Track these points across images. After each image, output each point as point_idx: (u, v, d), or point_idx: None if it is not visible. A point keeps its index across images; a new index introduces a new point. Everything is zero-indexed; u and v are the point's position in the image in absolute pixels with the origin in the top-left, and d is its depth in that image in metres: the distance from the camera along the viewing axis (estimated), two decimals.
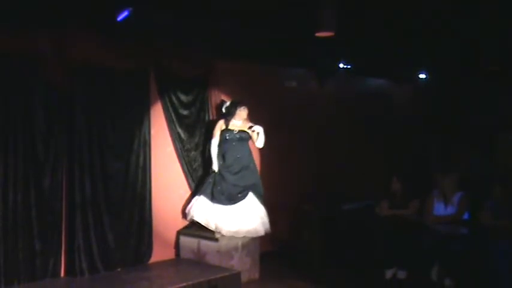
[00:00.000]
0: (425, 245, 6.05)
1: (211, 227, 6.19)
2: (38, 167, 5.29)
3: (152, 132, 6.22)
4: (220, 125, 6.47)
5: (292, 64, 7.73)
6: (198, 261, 6.11)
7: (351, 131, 8.57)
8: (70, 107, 5.51)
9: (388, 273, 6.32)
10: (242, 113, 6.44)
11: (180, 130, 6.51)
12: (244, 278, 5.99)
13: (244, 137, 6.45)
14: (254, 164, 6.61)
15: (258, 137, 6.50)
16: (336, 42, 5.84)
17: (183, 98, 6.55)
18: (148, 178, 6.14)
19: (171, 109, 6.42)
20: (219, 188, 6.32)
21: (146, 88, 6.18)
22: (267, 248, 6.97)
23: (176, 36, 5.96)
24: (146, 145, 6.14)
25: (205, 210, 6.28)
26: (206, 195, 6.35)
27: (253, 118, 6.66)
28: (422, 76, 9.10)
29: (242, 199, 6.34)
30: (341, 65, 8.02)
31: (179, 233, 6.50)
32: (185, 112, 6.57)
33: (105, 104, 5.75)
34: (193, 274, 5.58)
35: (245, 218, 6.27)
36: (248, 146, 6.54)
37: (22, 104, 5.18)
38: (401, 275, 6.29)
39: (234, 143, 6.41)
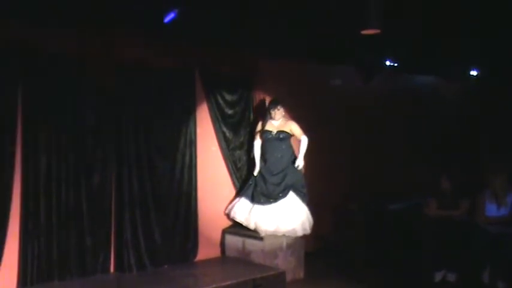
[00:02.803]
0: (476, 247, 5.87)
1: (251, 226, 6.21)
2: (88, 166, 5.44)
3: (198, 131, 6.30)
4: (259, 126, 6.48)
5: (338, 62, 7.65)
6: (243, 260, 6.14)
7: (398, 129, 8.41)
8: (118, 106, 5.64)
9: (437, 276, 6.17)
10: (277, 113, 6.36)
11: (225, 129, 6.56)
12: (288, 277, 5.96)
13: (283, 137, 6.38)
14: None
15: (301, 146, 6.43)
16: (382, 40, 5.74)
17: (228, 97, 6.59)
18: (194, 177, 6.23)
19: (216, 108, 6.48)
20: (258, 189, 6.34)
21: (192, 88, 6.26)
22: (312, 248, 6.92)
23: (222, 37, 5.99)
24: (192, 144, 6.22)
25: (246, 211, 6.32)
26: (247, 197, 6.39)
27: (299, 117, 6.64)
28: (473, 73, 8.82)
29: (282, 198, 6.30)
30: (388, 63, 7.87)
31: (224, 231, 6.55)
32: (230, 111, 6.61)
33: (152, 104, 5.86)
34: (238, 273, 5.61)
35: (284, 217, 6.24)
36: (289, 144, 6.49)
37: (72, 104, 5.33)
38: (451, 277, 6.13)
39: (273, 143, 6.38)
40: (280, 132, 6.37)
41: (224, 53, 6.39)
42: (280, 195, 6.31)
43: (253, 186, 6.41)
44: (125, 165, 5.67)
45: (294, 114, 6.70)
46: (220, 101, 6.52)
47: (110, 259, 5.65)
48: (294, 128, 6.43)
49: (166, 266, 5.89)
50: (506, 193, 5.96)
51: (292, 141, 6.59)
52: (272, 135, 6.36)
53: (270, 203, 6.27)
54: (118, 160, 5.68)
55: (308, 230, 6.38)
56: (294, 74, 7.18)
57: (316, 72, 7.54)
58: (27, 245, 5.04)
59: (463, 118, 9.11)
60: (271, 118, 6.39)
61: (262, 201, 6.28)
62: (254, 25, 5.81)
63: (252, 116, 6.84)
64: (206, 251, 6.36)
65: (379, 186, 7.85)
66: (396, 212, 7.44)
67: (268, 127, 6.41)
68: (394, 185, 7.90)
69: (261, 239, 6.13)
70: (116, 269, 5.68)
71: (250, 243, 6.21)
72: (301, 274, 6.41)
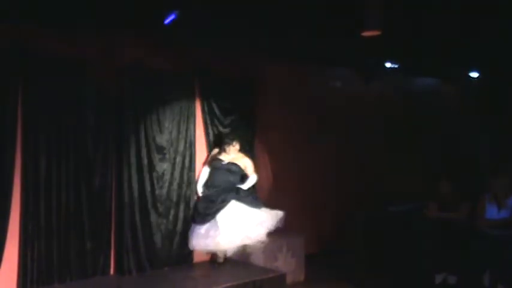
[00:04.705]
0: (476, 249, 5.85)
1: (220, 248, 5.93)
2: (88, 167, 5.44)
3: (197, 133, 6.30)
4: (214, 152, 6.32)
5: (339, 64, 7.65)
6: (243, 262, 6.13)
7: (398, 131, 8.40)
8: (118, 108, 5.64)
9: (438, 279, 6.16)
10: (232, 149, 6.18)
11: (219, 132, 6.49)
12: (289, 279, 5.97)
13: (232, 170, 6.17)
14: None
15: (248, 179, 6.25)
16: (382, 42, 5.73)
17: (225, 100, 6.50)
18: (193, 179, 6.22)
19: (208, 112, 6.40)
20: (197, 208, 6.10)
21: (192, 90, 6.25)
22: (313, 250, 6.92)
23: (222, 39, 5.99)
24: (192, 146, 6.21)
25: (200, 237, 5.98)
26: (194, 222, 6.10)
27: (299, 119, 6.62)
28: (473, 75, 8.81)
29: (218, 212, 5.95)
30: (388, 65, 7.87)
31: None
32: (226, 116, 6.52)
33: (152, 106, 5.86)
34: (239, 275, 5.61)
35: (237, 226, 5.89)
36: (237, 179, 6.23)
37: (72, 106, 5.33)
38: (452, 280, 6.11)
39: (222, 173, 6.16)
40: (232, 164, 6.19)
41: (224, 55, 6.38)
42: (217, 208, 5.98)
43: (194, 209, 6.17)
44: (125, 167, 5.67)
45: (294, 119, 6.68)
46: (216, 105, 6.44)
47: (110, 261, 5.65)
48: (247, 164, 6.25)
49: (166, 268, 5.88)
50: (507, 196, 5.93)
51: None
52: (222, 165, 6.17)
53: (207, 220, 5.97)
54: (118, 162, 5.68)
55: (270, 227, 6.00)
56: (295, 76, 7.18)
57: (318, 74, 7.55)
58: (27, 247, 5.04)
59: (464, 119, 9.10)
60: (224, 152, 6.22)
61: (200, 220, 6.00)
62: (254, 28, 5.82)
63: (251, 121, 6.78)
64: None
65: (381, 187, 7.85)
66: (397, 214, 7.43)
67: (221, 156, 6.23)
68: (395, 187, 7.90)
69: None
70: (115, 271, 5.68)
71: (251, 245, 6.19)
72: (301, 276, 6.41)
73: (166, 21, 5.19)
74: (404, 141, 8.44)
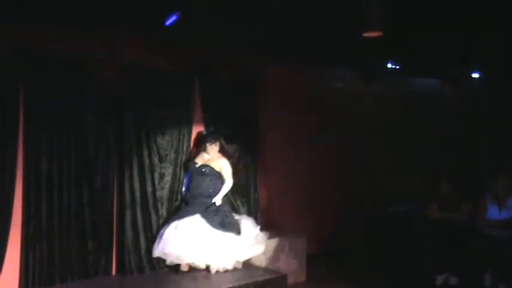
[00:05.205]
0: (477, 250, 5.86)
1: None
2: (89, 168, 5.44)
3: None
4: (192, 154, 6.11)
5: (339, 64, 7.65)
6: (245, 263, 6.12)
7: (398, 131, 8.41)
8: (119, 108, 5.64)
9: (439, 279, 6.15)
10: (213, 148, 5.95)
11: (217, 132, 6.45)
12: (290, 280, 5.96)
13: (206, 173, 5.88)
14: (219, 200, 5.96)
15: (223, 186, 5.96)
16: (383, 42, 5.74)
17: (225, 100, 6.48)
18: None
19: (210, 111, 6.39)
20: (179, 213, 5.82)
21: (192, 90, 6.24)
22: (313, 250, 6.92)
23: (222, 39, 5.99)
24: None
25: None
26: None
27: (300, 119, 6.62)
28: (474, 75, 8.82)
29: (187, 216, 5.68)
30: (389, 65, 7.87)
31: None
32: (226, 116, 6.49)
33: (152, 106, 5.85)
34: (240, 276, 5.60)
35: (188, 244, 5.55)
36: (215, 182, 5.94)
37: (73, 106, 5.33)
38: (453, 280, 6.11)
39: (197, 176, 5.91)
40: (205, 166, 5.92)
41: (225, 56, 6.37)
42: (190, 212, 5.72)
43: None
44: (126, 167, 5.66)
45: (294, 119, 6.67)
46: (217, 105, 6.40)
47: (111, 262, 5.64)
48: (224, 166, 5.98)
49: (167, 269, 5.87)
50: (508, 196, 5.94)
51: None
52: (196, 168, 5.93)
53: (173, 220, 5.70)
54: (119, 163, 5.68)
55: (237, 255, 5.69)
56: (295, 76, 7.18)
57: (317, 75, 7.55)
58: (29, 248, 5.04)
59: (464, 120, 9.11)
60: (203, 150, 6.01)
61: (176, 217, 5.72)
62: (254, 28, 5.82)
63: (252, 121, 6.76)
64: None
65: (382, 187, 7.86)
66: (397, 214, 7.43)
67: (197, 158, 6.02)
68: (396, 187, 7.91)
69: None
70: (117, 271, 5.67)
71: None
72: (303, 277, 6.42)
73: (168, 22, 5.20)
74: (404, 142, 8.44)
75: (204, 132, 6.17)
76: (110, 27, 5.33)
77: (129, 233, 5.63)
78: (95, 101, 5.46)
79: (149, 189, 5.81)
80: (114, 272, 5.66)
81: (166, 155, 6.00)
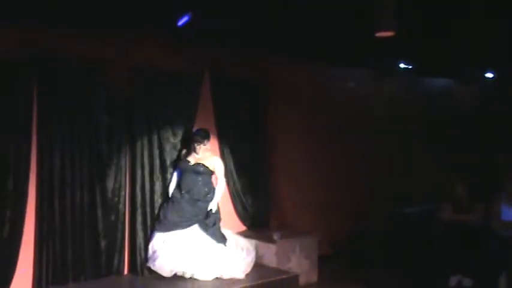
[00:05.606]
0: (492, 251, 5.79)
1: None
2: (102, 167, 5.47)
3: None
4: (183, 153, 5.99)
5: (352, 64, 7.62)
6: (256, 263, 6.12)
7: (412, 131, 8.36)
8: (130, 109, 5.67)
9: (453, 281, 6.10)
10: (202, 148, 5.80)
11: (229, 135, 6.49)
12: (302, 280, 5.95)
13: (200, 171, 5.77)
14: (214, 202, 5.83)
15: (216, 188, 5.86)
16: (396, 42, 5.70)
17: (236, 101, 6.50)
18: None
19: (221, 111, 6.41)
20: (165, 214, 5.71)
21: (203, 91, 6.24)
22: (326, 251, 6.89)
23: (234, 40, 6.00)
24: None
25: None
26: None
27: (311, 120, 6.60)
28: (489, 75, 8.73)
29: (186, 227, 5.63)
30: (402, 65, 7.82)
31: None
32: (238, 116, 6.51)
33: (164, 106, 5.87)
34: (252, 276, 5.59)
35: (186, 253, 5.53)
36: (208, 180, 5.84)
37: (86, 106, 5.36)
38: (467, 282, 6.05)
39: (190, 175, 5.77)
40: (198, 164, 5.79)
41: (235, 56, 6.38)
42: (185, 224, 5.64)
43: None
44: (138, 168, 5.69)
45: (305, 119, 6.65)
46: (228, 106, 6.42)
47: (123, 261, 5.67)
48: (217, 165, 5.87)
49: None
50: None
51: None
52: (188, 166, 5.80)
53: (173, 229, 5.63)
54: (131, 163, 5.71)
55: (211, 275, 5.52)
56: (306, 77, 7.16)
57: (328, 76, 7.53)
58: (42, 247, 5.08)
59: (479, 121, 9.02)
60: (193, 151, 5.85)
61: (165, 228, 5.63)
62: (266, 28, 5.82)
63: (261, 120, 6.76)
64: None
65: (395, 188, 7.80)
66: (411, 215, 7.38)
67: (189, 157, 5.87)
68: (410, 188, 7.86)
69: (274, 242, 6.11)
70: (129, 271, 5.70)
71: (263, 246, 6.19)
72: (314, 278, 6.38)
73: (180, 23, 5.22)
74: (419, 142, 8.38)
75: (193, 132, 6.00)
76: (121, 28, 5.36)
77: (140, 233, 5.66)
78: (106, 101, 5.49)
79: (159, 189, 5.84)
80: (126, 272, 5.69)
81: (178, 155, 6.01)
